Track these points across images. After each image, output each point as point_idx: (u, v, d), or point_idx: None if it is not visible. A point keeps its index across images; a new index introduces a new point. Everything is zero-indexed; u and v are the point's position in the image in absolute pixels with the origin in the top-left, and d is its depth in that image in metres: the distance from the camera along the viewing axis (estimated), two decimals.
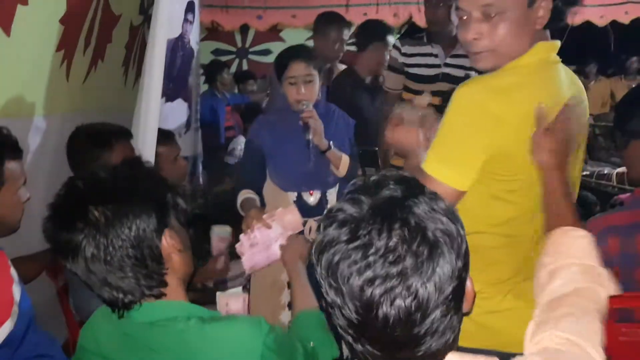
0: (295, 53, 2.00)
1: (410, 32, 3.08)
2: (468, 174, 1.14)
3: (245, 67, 5.83)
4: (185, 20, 2.62)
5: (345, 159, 2.03)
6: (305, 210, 2.01)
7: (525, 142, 1.11)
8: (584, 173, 3.23)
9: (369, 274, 0.66)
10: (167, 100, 2.50)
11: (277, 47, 5.26)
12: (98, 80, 2.15)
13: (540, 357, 0.77)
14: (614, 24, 4.76)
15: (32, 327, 1.48)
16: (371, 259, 0.66)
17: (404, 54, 2.79)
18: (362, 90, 2.97)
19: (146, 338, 1.02)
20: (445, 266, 0.68)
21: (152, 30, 1.89)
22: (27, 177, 1.47)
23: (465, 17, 1.16)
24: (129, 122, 1.99)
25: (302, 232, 1.99)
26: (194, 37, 2.79)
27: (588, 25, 4.44)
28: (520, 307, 1.21)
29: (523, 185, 1.16)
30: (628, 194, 1.56)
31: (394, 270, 0.66)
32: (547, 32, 1.19)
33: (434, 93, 2.65)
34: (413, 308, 0.67)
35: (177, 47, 2.58)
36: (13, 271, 1.50)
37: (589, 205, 2.88)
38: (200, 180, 3.36)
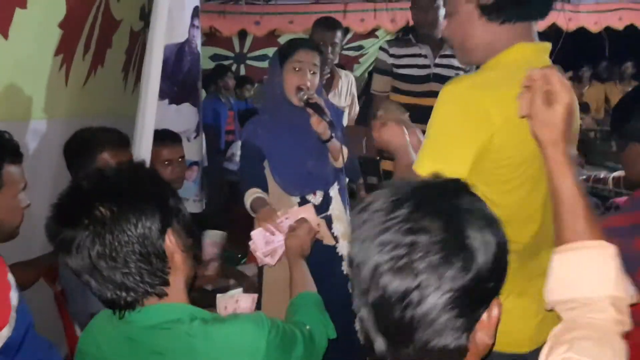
0: (304, 42, 2.00)
1: (399, 37, 3.09)
2: (460, 171, 1.13)
3: (243, 72, 5.85)
4: (192, 25, 2.62)
5: (344, 150, 2.01)
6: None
7: (514, 135, 1.11)
8: (580, 177, 3.24)
9: (384, 237, 0.68)
10: (170, 103, 2.49)
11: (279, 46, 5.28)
12: (98, 85, 2.14)
13: None
14: (608, 30, 4.80)
15: (30, 333, 1.47)
16: (389, 223, 0.68)
17: (393, 55, 2.79)
18: None
19: (149, 341, 1.02)
20: (477, 257, 0.68)
21: (150, 33, 1.88)
22: (27, 180, 1.46)
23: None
24: (128, 127, 1.98)
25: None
26: (199, 42, 2.80)
27: (583, 31, 4.47)
28: (524, 304, 1.23)
29: (514, 186, 1.16)
30: (625, 197, 1.56)
31: (408, 239, 0.67)
32: (532, 33, 1.20)
33: (426, 94, 2.66)
34: (413, 286, 0.67)
35: (184, 52, 2.57)
36: (11, 277, 1.49)
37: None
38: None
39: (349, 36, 5.29)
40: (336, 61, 3.16)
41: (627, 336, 0.81)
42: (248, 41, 5.60)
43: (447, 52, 2.75)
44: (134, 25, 2.39)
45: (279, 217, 1.78)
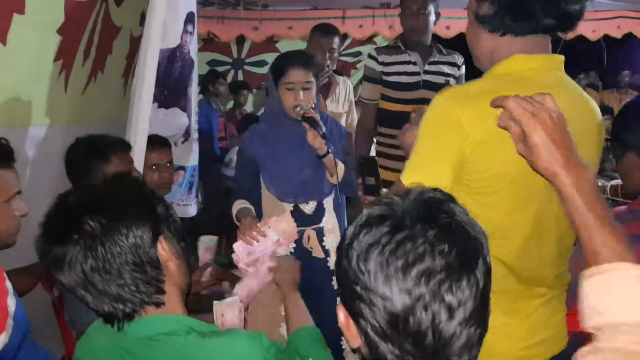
0: (295, 59, 1.99)
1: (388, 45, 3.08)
2: (439, 181, 1.13)
3: (240, 77, 5.85)
4: (185, 31, 2.62)
5: (340, 166, 2.02)
6: (302, 219, 2.01)
7: (491, 148, 1.10)
8: None
9: (421, 266, 0.67)
10: (159, 107, 2.49)
11: (272, 58, 5.27)
12: (97, 91, 2.14)
13: None
14: (606, 38, 4.83)
15: (27, 339, 1.46)
16: (420, 249, 0.67)
17: (382, 63, 2.76)
18: None
19: (144, 353, 1.01)
20: (481, 269, 0.69)
21: (144, 37, 1.89)
22: (26, 187, 1.45)
23: None
24: (127, 133, 1.98)
25: (299, 241, 1.99)
26: (193, 48, 2.80)
27: (581, 39, 4.49)
28: (511, 324, 1.20)
29: (494, 200, 1.14)
30: (623, 207, 1.55)
31: (442, 263, 0.67)
32: (540, 47, 1.17)
33: (417, 101, 2.63)
34: (453, 306, 0.67)
35: (175, 57, 2.57)
36: (8, 283, 1.48)
37: None
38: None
39: (347, 42, 5.31)
40: (334, 67, 3.16)
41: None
42: (246, 47, 5.60)
43: (436, 59, 2.76)
44: (134, 31, 2.39)
45: (260, 226, 1.80)
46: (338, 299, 0.77)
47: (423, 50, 2.75)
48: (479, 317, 0.69)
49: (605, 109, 4.65)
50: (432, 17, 2.73)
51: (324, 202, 2.09)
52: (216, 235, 2.05)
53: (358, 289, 0.70)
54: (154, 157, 2.16)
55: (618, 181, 3.25)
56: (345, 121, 3.29)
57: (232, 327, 1.50)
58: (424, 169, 1.16)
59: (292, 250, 1.99)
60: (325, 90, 3.12)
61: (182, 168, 2.75)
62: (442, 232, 0.68)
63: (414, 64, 2.74)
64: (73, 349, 1.31)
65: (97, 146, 1.77)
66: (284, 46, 5.09)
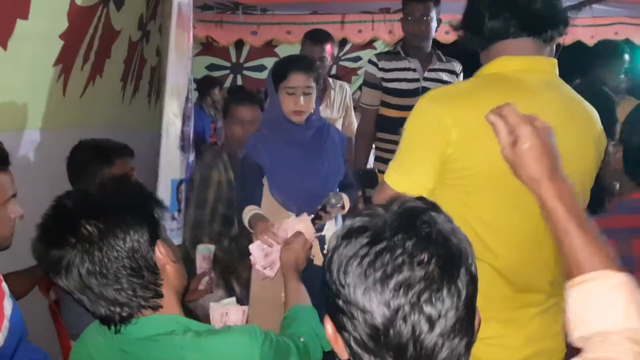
0: (296, 63, 1.98)
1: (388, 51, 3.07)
2: (422, 182, 1.17)
3: (239, 82, 5.85)
4: None
5: (345, 199, 2.02)
6: None
7: (472, 147, 1.11)
8: None
9: (399, 277, 0.65)
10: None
11: (271, 63, 5.25)
12: (96, 96, 2.14)
13: None
14: None
15: (23, 342, 1.46)
16: (399, 260, 0.66)
17: (382, 69, 2.75)
18: None
19: (141, 353, 1.02)
20: (463, 278, 0.67)
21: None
22: (22, 190, 1.45)
23: None
24: (126, 137, 1.99)
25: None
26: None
27: (579, 45, 4.51)
28: (508, 333, 1.19)
29: (478, 201, 1.14)
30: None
31: (420, 274, 0.65)
32: (534, 49, 1.18)
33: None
34: (434, 317, 0.65)
35: None
36: (4, 286, 1.48)
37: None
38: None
39: (347, 47, 5.32)
40: (333, 72, 3.17)
41: None
42: (245, 51, 5.60)
43: (436, 66, 2.77)
44: (133, 36, 2.40)
45: (276, 230, 1.79)
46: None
47: (423, 57, 2.76)
48: (463, 327, 0.68)
49: None
50: (434, 24, 2.73)
51: None
52: (213, 245, 2.06)
53: (339, 302, 0.69)
54: (241, 111, 2.28)
55: None
56: (342, 125, 3.29)
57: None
58: (406, 168, 1.18)
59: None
60: (320, 95, 3.13)
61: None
62: (421, 242, 0.67)
63: (414, 70, 2.74)
64: (69, 351, 1.31)
65: (102, 149, 1.77)
66: (283, 51, 5.09)
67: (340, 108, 3.32)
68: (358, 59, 5.64)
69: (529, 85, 1.15)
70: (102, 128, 2.13)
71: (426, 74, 2.75)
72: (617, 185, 1.61)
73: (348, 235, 0.70)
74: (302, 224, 1.80)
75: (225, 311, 1.53)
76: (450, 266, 0.67)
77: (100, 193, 1.04)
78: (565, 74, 1.26)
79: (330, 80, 3.30)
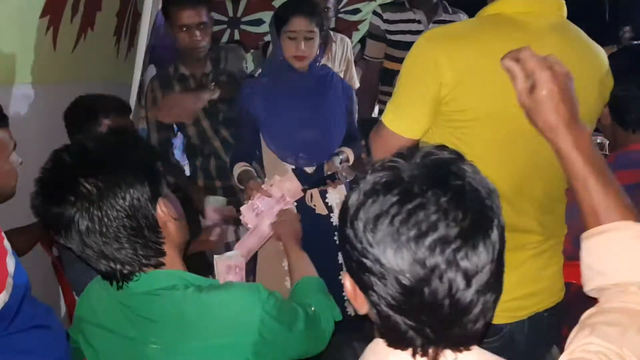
0: (298, 7, 1.93)
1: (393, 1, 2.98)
2: (418, 121, 1.16)
3: (237, 37, 5.73)
4: None
5: (349, 153, 2.00)
6: (303, 178, 1.99)
7: (468, 88, 1.10)
8: None
9: (435, 235, 0.63)
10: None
11: (269, 17, 5.12)
12: (88, 50, 2.09)
13: None
14: None
15: (27, 298, 1.47)
16: (433, 218, 0.63)
17: (386, 21, 2.69)
18: None
19: (142, 307, 1.02)
20: (496, 231, 0.66)
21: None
22: (15, 141, 1.45)
23: None
24: (122, 93, 1.95)
25: (301, 198, 1.98)
26: None
27: None
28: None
29: (475, 140, 1.13)
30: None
31: (456, 230, 0.63)
32: None
33: None
34: (470, 273, 0.64)
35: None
36: (7, 243, 1.48)
37: None
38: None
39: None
40: (332, 25, 3.09)
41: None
42: (242, 5, 5.46)
43: (442, 18, 2.69)
44: None
45: (264, 187, 1.80)
46: (343, 267, 0.74)
47: (429, 8, 2.68)
48: (496, 281, 0.67)
49: None
50: None
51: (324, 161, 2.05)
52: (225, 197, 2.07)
53: (367, 261, 0.66)
54: (184, 16, 2.08)
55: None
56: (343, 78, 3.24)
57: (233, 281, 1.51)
58: (402, 110, 1.18)
59: (295, 208, 1.98)
60: (322, 47, 3.06)
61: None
62: (455, 197, 0.64)
63: (419, 22, 2.68)
64: (74, 307, 1.32)
65: (91, 109, 1.74)
66: (281, 3, 4.97)
67: (341, 62, 3.26)
68: (357, 11, 5.50)
69: (531, 27, 1.12)
70: (97, 84, 2.08)
71: (431, 26, 2.67)
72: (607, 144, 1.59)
73: (374, 191, 0.67)
74: (288, 180, 1.81)
75: (224, 265, 1.53)
76: (484, 220, 0.66)
77: (99, 148, 1.00)
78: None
79: (332, 33, 3.23)
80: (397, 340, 0.70)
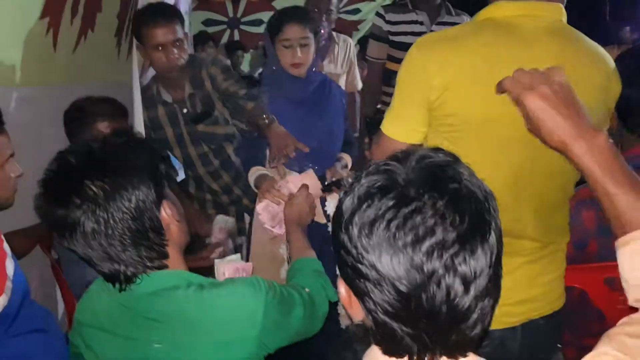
0: (290, 15, 1.93)
1: (396, 1, 2.98)
2: (413, 126, 1.17)
3: (237, 37, 5.73)
4: None
5: (347, 158, 2.01)
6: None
7: (456, 93, 1.09)
8: None
9: (432, 240, 0.61)
10: None
11: (269, 17, 5.15)
12: (89, 51, 2.08)
13: None
14: None
15: (26, 301, 1.46)
16: (430, 222, 0.61)
17: (389, 22, 2.70)
18: None
19: (144, 308, 1.02)
20: (494, 234, 0.65)
21: None
22: (16, 149, 1.43)
23: None
24: (123, 94, 1.94)
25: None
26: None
27: None
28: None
29: (464, 146, 1.11)
30: None
31: (454, 235, 0.62)
32: None
33: None
34: (469, 278, 0.62)
35: None
36: (6, 246, 1.48)
37: None
38: None
39: None
40: (333, 26, 3.09)
41: (625, 303, 0.78)
42: (242, 5, 5.46)
43: (445, 19, 2.68)
44: None
45: (280, 187, 1.81)
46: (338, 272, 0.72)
47: (431, 10, 2.67)
48: (493, 286, 0.66)
49: None
50: None
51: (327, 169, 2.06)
52: (232, 217, 2.08)
53: (362, 267, 0.64)
54: (158, 34, 2.00)
55: None
56: (345, 81, 3.24)
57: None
58: (397, 116, 1.19)
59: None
60: (324, 50, 3.06)
61: None
62: (452, 201, 0.63)
63: (421, 23, 2.67)
64: (74, 309, 1.31)
65: (86, 113, 1.74)
66: (281, 4, 4.95)
67: (344, 63, 3.26)
68: (357, 11, 5.50)
69: (525, 30, 1.10)
70: (98, 85, 2.07)
71: (433, 28, 2.66)
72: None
73: (368, 195, 0.65)
74: (308, 178, 1.81)
75: (223, 271, 1.53)
76: (482, 223, 0.64)
77: (104, 150, 1.00)
78: None
79: (335, 34, 3.22)
80: (393, 348, 0.68)
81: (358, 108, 3.23)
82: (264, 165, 2.01)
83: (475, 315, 0.65)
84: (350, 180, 1.91)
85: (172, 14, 2.06)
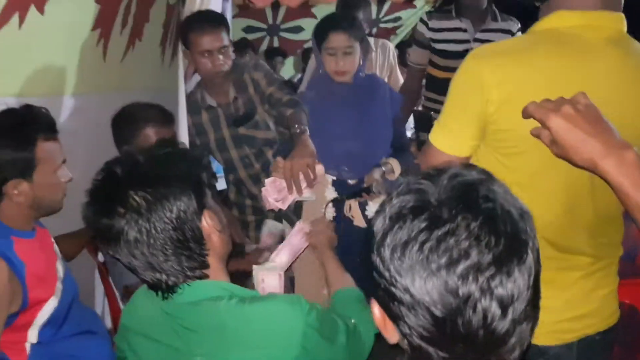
0: (335, 23, 1.95)
1: (441, 8, 2.95)
2: (463, 139, 1.13)
3: (276, 44, 5.79)
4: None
5: (395, 164, 1.99)
6: (344, 189, 1.99)
7: (513, 105, 1.04)
8: None
9: (467, 262, 0.59)
10: None
11: (308, 24, 5.18)
12: (136, 60, 2.14)
13: None
14: None
15: (75, 303, 1.51)
16: (464, 244, 0.59)
17: (432, 29, 2.68)
18: None
19: (184, 317, 1.03)
20: (531, 255, 0.63)
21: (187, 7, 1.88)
22: (66, 156, 1.48)
23: None
24: (168, 101, 1.99)
25: (340, 209, 1.98)
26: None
27: None
28: (548, 296, 1.15)
29: (521, 162, 1.10)
30: None
31: (490, 257, 0.59)
32: (583, 1, 1.07)
33: None
34: (506, 301, 0.60)
35: None
36: (56, 248, 1.53)
37: None
38: None
39: (386, 7, 5.16)
40: (373, 32, 3.08)
41: None
42: (281, 12, 5.51)
43: (490, 27, 2.63)
44: None
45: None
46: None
47: (476, 16, 2.63)
48: (532, 309, 0.63)
49: None
50: None
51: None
52: (281, 222, 2.09)
53: (396, 291, 0.63)
54: (205, 41, 2.04)
55: None
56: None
57: (272, 292, 1.51)
58: (448, 128, 1.15)
59: (333, 219, 1.97)
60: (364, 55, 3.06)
61: None
62: (486, 222, 0.60)
63: (465, 31, 2.63)
64: (118, 313, 1.35)
65: (133, 119, 1.77)
66: (320, 11, 4.99)
67: (384, 68, 3.24)
68: (398, 19, 5.47)
69: (586, 42, 1.07)
70: (144, 92, 2.12)
71: (477, 35, 2.63)
72: None
73: (400, 216, 0.63)
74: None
75: (262, 277, 1.54)
76: (519, 244, 0.62)
77: (148, 161, 1.02)
78: None
79: (372, 40, 3.20)
80: None
81: None
82: None
83: (513, 340, 0.62)
84: (379, 188, 1.89)
85: (219, 22, 2.10)
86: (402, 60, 3.62)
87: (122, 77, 2.08)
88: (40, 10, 1.56)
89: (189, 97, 2.24)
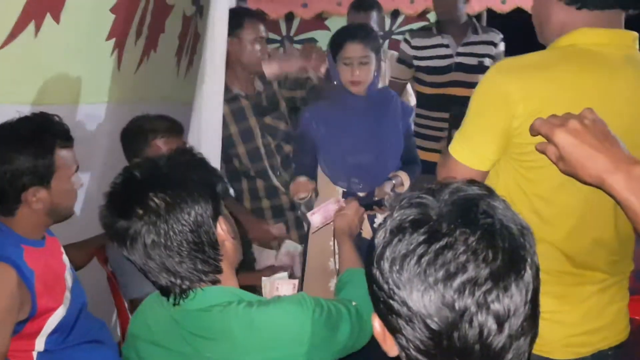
0: (352, 33, 1.97)
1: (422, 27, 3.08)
2: (485, 153, 1.14)
3: None
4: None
5: (404, 177, 2.00)
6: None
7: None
8: None
9: (464, 276, 0.60)
10: None
11: (322, 36, 5.20)
12: (150, 71, 2.16)
13: None
14: None
15: (83, 312, 1.52)
16: (462, 258, 0.60)
17: (414, 47, 2.82)
18: None
19: (197, 325, 1.03)
20: (530, 271, 0.62)
21: (210, 22, 1.89)
22: (80, 164, 1.49)
23: None
24: (181, 112, 2.00)
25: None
26: None
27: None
28: (561, 309, 1.16)
29: (542, 176, 1.10)
30: None
31: (487, 272, 0.60)
32: (616, 23, 1.11)
33: (449, 83, 2.73)
34: (502, 317, 0.60)
35: None
36: (65, 258, 1.54)
37: None
38: None
39: (399, 20, 5.17)
40: (386, 47, 3.10)
41: None
42: (295, 24, 5.55)
43: (471, 40, 2.75)
44: (187, 10, 2.40)
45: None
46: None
47: (457, 31, 2.76)
48: (530, 324, 0.63)
49: None
50: None
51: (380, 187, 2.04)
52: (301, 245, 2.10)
53: (394, 303, 0.63)
54: (260, 29, 2.23)
55: None
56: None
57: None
58: (470, 141, 1.15)
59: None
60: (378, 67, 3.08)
61: None
62: (484, 236, 0.61)
63: (447, 46, 2.76)
64: (128, 322, 1.34)
65: (141, 131, 1.79)
66: (334, 23, 5.00)
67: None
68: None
69: (607, 59, 1.08)
70: (158, 103, 2.14)
71: (459, 49, 2.75)
72: None
73: (400, 229, 0.64)
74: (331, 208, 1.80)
75: (277, 285, 1.53)
76: (517, 260, 0.62)
77: (168, 165, 1.05)
78: None
79: (382, 51, 3.21)
80: None
81: None
82: (311, 176, 2.02)
83: (510, 355, 0.62)
84: (392, 200, 1.89)
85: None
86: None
87: (136, 87, 2.09)
88: (56, 19, 1.57)
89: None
